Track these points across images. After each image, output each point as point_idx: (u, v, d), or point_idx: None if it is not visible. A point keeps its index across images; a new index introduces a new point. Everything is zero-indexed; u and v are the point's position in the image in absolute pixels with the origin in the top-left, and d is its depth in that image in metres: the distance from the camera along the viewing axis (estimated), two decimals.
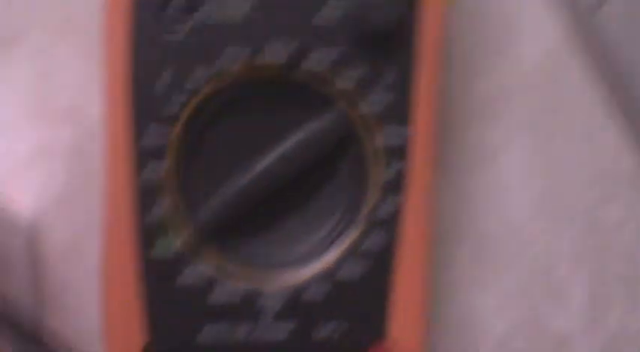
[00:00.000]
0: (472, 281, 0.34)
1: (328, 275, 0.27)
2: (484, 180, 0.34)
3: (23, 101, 0.32)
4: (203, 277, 0.27)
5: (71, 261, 0.32)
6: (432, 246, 0.29)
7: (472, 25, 0.34)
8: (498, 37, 0.34)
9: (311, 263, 0.28)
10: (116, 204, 0.27)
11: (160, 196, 0.27)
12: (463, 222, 0.34)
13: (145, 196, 0.27)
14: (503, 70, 0.34)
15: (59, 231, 0.32)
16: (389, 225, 0.28)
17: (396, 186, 0.28)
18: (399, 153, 0.28)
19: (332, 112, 0.27)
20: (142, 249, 0.27)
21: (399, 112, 0.27)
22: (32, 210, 0.32)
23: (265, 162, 0.27)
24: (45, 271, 0.32)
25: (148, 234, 0.27)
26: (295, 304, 0.27)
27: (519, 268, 0.34)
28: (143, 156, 0.27)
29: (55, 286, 0.32)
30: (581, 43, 0.34)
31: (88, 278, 0.32)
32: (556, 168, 0.34)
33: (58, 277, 0.32)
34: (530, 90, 0.34)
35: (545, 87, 0.34)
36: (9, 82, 0.32)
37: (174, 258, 0.27)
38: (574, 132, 0.34)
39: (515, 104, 0.34)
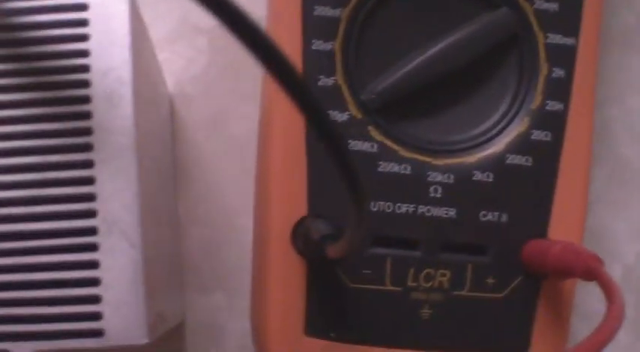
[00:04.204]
0: (607, 204, 0.34)
1: (497, 161, 0.28)
2: None
3: None
4: (369, 150, 0.28)
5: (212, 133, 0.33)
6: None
7: None
8: None
9: (478, 149, 0.29)
10: None
11: (328, 70, 0.28)
12: (602, 145, 0.35)
13: (314, 68, 0.28)
14: None
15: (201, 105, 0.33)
16: (556, 120, 0.29)
17: (564, 83, 0.29)
18: (568, 53, 0.29)
19: (507, 6, 0.28)
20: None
21: (571, 15, 0.29)
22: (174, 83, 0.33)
23: (438, 46, 0.28)
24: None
25: None
26: (466, 183, 0.28)
27: None
28: (315, 28, 0.28)
29: None
30: None
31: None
32: None
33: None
34: None
35: None
36: None
37: (341, 128, 0.28)
38: None
39: None
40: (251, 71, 0.32)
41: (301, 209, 0.28)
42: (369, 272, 0.28)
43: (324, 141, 0.18)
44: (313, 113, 0.18)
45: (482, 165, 0.28)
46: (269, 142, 0.29)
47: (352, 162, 0.19)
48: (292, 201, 0.28)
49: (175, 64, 0.32)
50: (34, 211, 0.23)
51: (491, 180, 0.28)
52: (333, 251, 0.25)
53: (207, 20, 0.32)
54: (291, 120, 0.28)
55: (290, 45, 0.28)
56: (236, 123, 0.33)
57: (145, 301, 0.23)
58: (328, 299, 0.28)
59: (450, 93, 0.29)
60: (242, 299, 0.32)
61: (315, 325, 0.28)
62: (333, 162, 0.19)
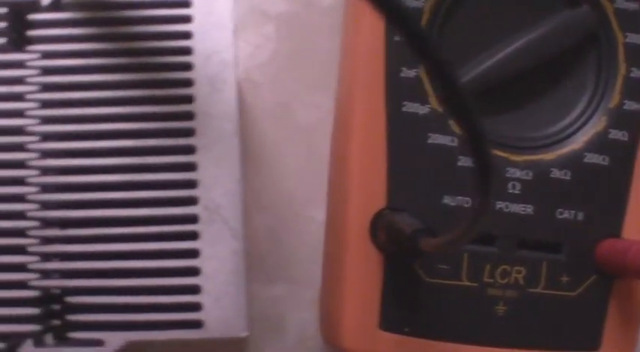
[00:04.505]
0: None
1: (575, 159, 0.28)
2: None
3: None
4: (449, 144, 0.28)
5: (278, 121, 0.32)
6: None
7: None
8: None
9: (557, 147, 0.29)
10: (369, 58, 0.28)
11: (410, 62, 0.27)
12: None
13: (396, 60, 0.27)
14: None
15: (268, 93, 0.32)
16: (633, 120, 0.29)
17: None
18: None
19: (588, 4, 0.28)
20: (392, 104, 0.27)
21: None
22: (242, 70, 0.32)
23: (519, 42, 0.28)
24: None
25: (398, 92, 0.28)
26: (544, 180, 0.28)
27: None
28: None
29: None
30: None
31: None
32: None
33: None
34: None
35: None
36: None
37: (422, 121, 0.28)
38: None
39: None
40: (319, 59, 0.31)
41: (380, 201, 0.28)
42: (445, 267, 0.28)
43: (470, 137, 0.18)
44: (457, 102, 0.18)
45: (561, 163, 0.28)
46: (348, 134, 0.28)
47: (490, 156, 0.19)
48: (371, 194, 0.28)
49: (243, 51, 0.31)
50: (134, 196, 0.22)
51: (568, 178, 0.28)
52: (428, 245, 0.24)
53: (275, 7, 0.31)
54: (372, 112, 0.28)
55: (372, 36, 0.27)
56: (303, 111, 0.32)
57: (245, 293, 0.22)
58: (404, 293, 0.28)
59: (529, 89, 0.29)
60: (305, 290, 0.32)
61: (390, 319, 0.28)
62: (473, 159, 0.18)
